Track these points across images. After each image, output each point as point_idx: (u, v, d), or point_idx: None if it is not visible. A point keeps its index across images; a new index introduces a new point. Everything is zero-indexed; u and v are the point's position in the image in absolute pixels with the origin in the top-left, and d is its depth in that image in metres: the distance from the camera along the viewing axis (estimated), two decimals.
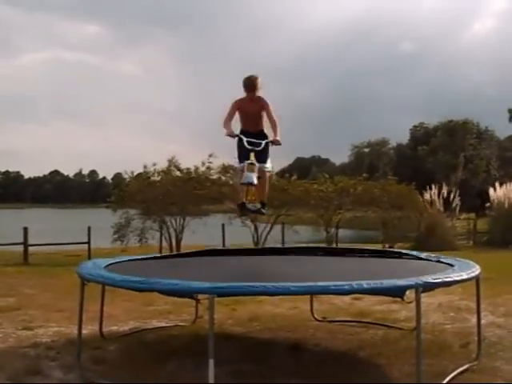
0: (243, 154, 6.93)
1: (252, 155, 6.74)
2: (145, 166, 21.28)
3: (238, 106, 7.06)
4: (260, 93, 7.06)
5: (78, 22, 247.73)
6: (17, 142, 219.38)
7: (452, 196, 24.06)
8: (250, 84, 7.02)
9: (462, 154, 71.10)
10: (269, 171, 7.12)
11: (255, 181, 6.68)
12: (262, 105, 7.07)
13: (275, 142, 7.01)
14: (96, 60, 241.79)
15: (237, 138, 6.99)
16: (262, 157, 6.95)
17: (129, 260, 7.36)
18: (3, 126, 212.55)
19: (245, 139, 6.86)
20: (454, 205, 23.93)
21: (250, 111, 7.07)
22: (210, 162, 20.63)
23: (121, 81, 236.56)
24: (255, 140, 6.92)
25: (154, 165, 21.01)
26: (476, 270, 5.83)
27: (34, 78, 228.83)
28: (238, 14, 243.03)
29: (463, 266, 6.00)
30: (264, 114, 7.12)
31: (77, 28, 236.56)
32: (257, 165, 6.76)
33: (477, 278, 5.85)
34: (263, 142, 6.93)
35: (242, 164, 6.91)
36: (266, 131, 7.16)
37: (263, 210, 7.38)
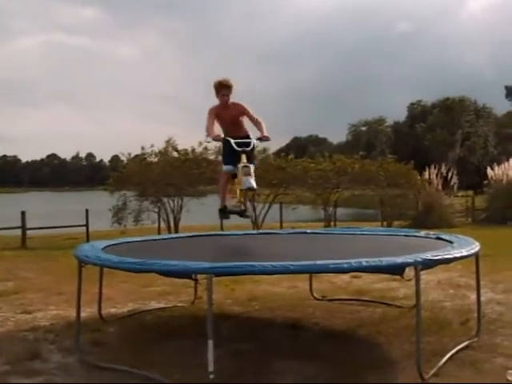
0: (230, 157, 6.83)
1: (244, 157, 6.62)
2: (142, 148, 21.21)
3: (216, 112, 6.94)
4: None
5: (75, 4, 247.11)
6: (14, 126, 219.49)
7: (450, 174, 24.03)
8: (227, 86, 6.90)
9: (460, 131, 71.08)
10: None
11: (255, 185, 6.59)
12: (240, 110, 6.97)
13: (263, 139, 6.93)
14: (94, 43, 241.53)
15: (222, 142, 6.91)
16: (250, 157, 6.85)
17: (126, 242, 7.33)
18: (1, 110, 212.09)
19: (232, 141, 6.74)
20: (451, 183, 23.91)
21: (228, 117, 6.97)
22: (208, 142, 20.52)
23: (119, 64, 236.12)
24: (244, 140, 6.82)
25: (152, 146, 20.96)
26: (475, 246, 5.81)
27: (31, 61, 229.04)
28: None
29: (462, 242, 5.98)
30: (243, 119, 7.05)
31: (75, 11, 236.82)
32: (251, 166, 6.66)
33: (476, 255, 5.83)
34: (252, 141, 6.83)
35: (228, 167, 6.83)
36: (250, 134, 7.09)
37: (247, 213, 7.36)
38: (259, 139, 6.93)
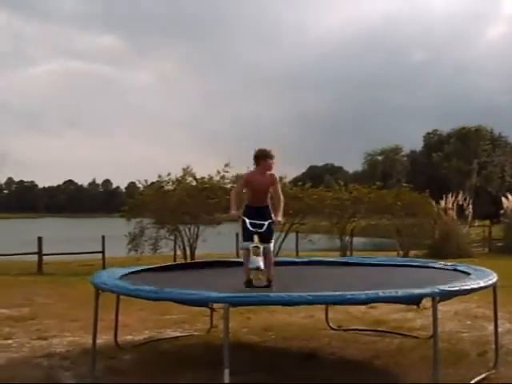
0: (247, 234, 6.83)
1: (256, 237, 6.61)
2: (159, 176, 21.30)
3: (248, 178, 6.88)
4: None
5: (91, 32, 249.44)
6: (31, 152, 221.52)
7: (466, 203, 23.97)
8: (269, 155, 6.91)
9: (476, 160, 70.93)
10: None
11: (262, 265, 6.52)
12: (272, 180, 6.96)
13: (276, 223, 6.92)
14: (109, 70, 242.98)
15: (243, 213, 6.90)
16: (266, 237, 6.84)
17: (143, 269, 7.34)
18: (18, 137, 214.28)
19: (247, 221, 6.73)
20: (467, 212, 23.83)
21: (261, 185, 6.95)
22: (226, 172, 20.59)
23: (135, 91, 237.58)
24: (258, 221, 6.79)
25: (169, 174, 21.03)
26: (493, 277, 5.78)
27: (47, 88, 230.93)
28: (250, 24, 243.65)
29: (480, 273, 5.96)
30: (270, 189, 7.04)
31: (90, 38, 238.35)
32: (261, 247, 6.63)
33: (494, 286, 5.80)
34: (266, 224, 6.81)
35: (246, 243, 6.81)
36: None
37: (271, 285, 7.34)
38: (272, 222, 6.88)
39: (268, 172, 6.80)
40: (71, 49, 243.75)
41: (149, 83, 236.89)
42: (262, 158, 6.78)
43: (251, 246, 6.39)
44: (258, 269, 6.55)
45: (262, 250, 6.40)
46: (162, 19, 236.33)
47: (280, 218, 6.79)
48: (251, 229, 6.52)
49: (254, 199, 6.79)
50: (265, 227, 6.61)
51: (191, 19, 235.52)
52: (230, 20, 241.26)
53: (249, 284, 6.79)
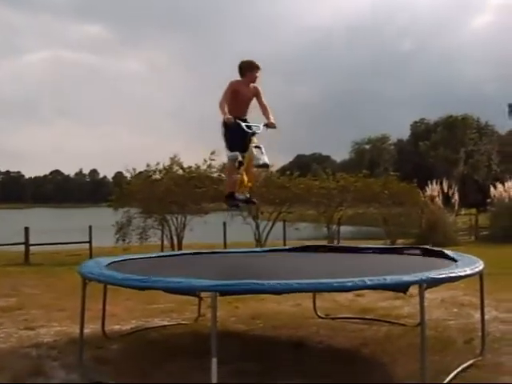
0: (236, 142, 6.75)
1: (254, 139, 6.57)
2: (148, 165, 21.27)
3: (236, 87, 6.88)
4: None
5: (79, 22, 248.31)
6: (18, 142, 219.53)
7: (451, 191, 24.08)
8: (259, 68, 6.90)
9: (463, 149, 71.18)
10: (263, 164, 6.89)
11: (268, 161, 6.55)
12: (256, 91, 6.96)
13: (271, 125, 6.88)
14: (97, 59, 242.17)
15: (223, 125, 6.79)
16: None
17: (130, 259, 7.33)
18: (5, 126, 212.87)
19: (243, 124, 6.67)
20: (453, 200, 23.94)
21: (246, 96, 6.92)
22: (212, 160, 20.55)
23: (122, 80, 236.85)
24: (253, 124, 6.76)
25: (157, 164, 20.99)
26: (480, 265, 5.80)
27: (34, 77, 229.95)
28: (241, 15, 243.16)
29: (467, 261, 5.97)
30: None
31: (78, 28, 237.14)
32: (262, 146, 6.60)
33: (480, 274, 5.83)
34: (261, 125, 6.78)
35: (234, 153, 6.76)
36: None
37: (253, 199, 7.29)
38: (266, 125, 6.86)
39: (252, 84, 6.81)
40: (61, 38, 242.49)
41: (138, 73, 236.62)
42: (249, 69, 6.83)
43: (252, 145, 6.34)
44: (265, 166, 6.54)
45: (263, 149, 6.37)
46: (153, 9, 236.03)
47: (273, 121, 6.80)
48: (248, 130, 6.47)
49: (237, 110, 6.78)
50: (261, 128, 6.59)
51: (183, 9, 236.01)
52: (222, 9, 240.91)
53: (231, 197, 6.78)
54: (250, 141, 6.60)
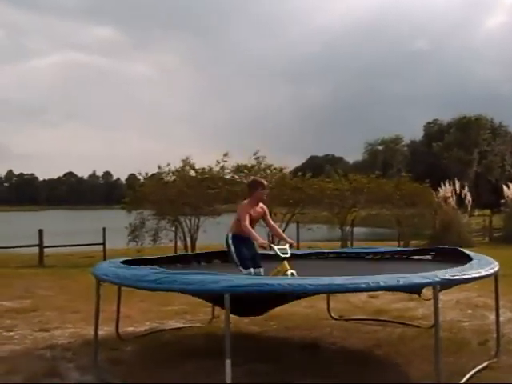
0: (248, 259, 6.78)
1: (286, 263, 6.55)
2: (159, 167, 21.30)
3: (249, 211, 6.84)
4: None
5: (90, 24, 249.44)
6: (31, 145, 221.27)
7: (464, 192, 23.97)
8: (264, 186, 6.94)
9: (476, 149, 70.84)
10: None
11: None
12: (264, 211, 7.01)
13: (292, 246, 6.91)
14: (108, 62, 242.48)
15: (233, 241, 6.79)
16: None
17: (144, 260, 7.33)
18: (18, 130, 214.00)
19: (276, 248, 6.67)
20: (466, 201, 23.82)
21: (257, 217, 6.98)
22: (224, 161, 20.55)
23: (135, 83, 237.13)
24: (280, 248, 6.74)
25: (168, 165, 21.02)
26: (494, 266, 5.77)
27: (46, 80, 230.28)
28: (250, 15, 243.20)
29: (481, 262, 5.93)
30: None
31: (89, 30, 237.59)
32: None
33: (495, 275, 5.80)
34: (287, 247, 6.78)
35: (250, 270, 6.75)
36: None
37: None
38: (290, 246, 6.88)
39: (260, 204, 6.88)
40: (71, 41, 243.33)
41: (149, 75, 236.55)
42: (259, 188, 6.86)
43: (289, 272, 6.30)
44: None
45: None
46: (162, 10, 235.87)
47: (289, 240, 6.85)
48: (282, 255, 6.49)
49: (243, 232, 6.76)
50: (289, 251, 6.60)
51: (192, 11, 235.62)
52: (231, 11, 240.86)
53: None
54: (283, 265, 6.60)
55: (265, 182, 7.03)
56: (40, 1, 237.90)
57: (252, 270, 6.66)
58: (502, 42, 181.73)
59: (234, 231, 6.83)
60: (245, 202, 6.91)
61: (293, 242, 7.00)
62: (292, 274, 6.27)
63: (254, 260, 6.77)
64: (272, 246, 6.65)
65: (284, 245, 6.67)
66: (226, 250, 6.90)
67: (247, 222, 6.66)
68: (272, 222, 7.13)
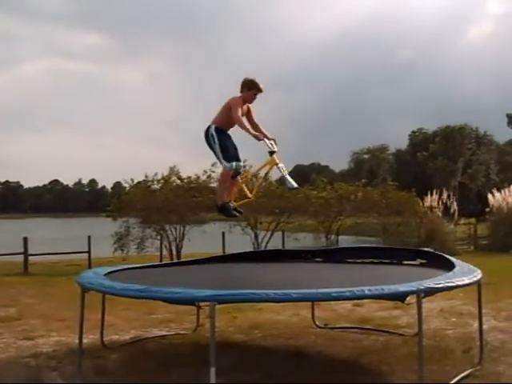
0: (233, 152, 6.82)
1: (275, 157, 6.65)
2: (146, 176, 21.28)
3: (242, 105, 6.95)
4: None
5: (78, 31, 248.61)
6: (16, 152, 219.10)
7: (450, 201, 24.08)
8: (260, 90, 6.97)
9: (461, 158, 71.24)
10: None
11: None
12: (248, 108, 7.05)
13: (273, 140, 6.98)
14: (96, 69, 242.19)
15: (216, 134, 6.85)
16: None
17: (129, 268, 7.33)
18: (3, 136, 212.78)
19: (267, 141, 6.76)
20: (452, 210, 23.94)
21: (242, 113, 7.00)
22: (212, 172, 20.54)
23: (121, 90, 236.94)
24: (268, 142, 6.81)
25: (155, 174, 21.01)
26: (477, 274, 5.81)
27: (33, 87, 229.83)
28: (238, 23, 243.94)
29: (464, 270, 5.98)
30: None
31: (77, 37, 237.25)
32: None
33: (478, 283, 5.84)
34: (274, 145, 6.84)
35: (238, 163, 6.82)
36: None
37: (240, 209, 7.39)
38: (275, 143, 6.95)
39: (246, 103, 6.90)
40: (60, 48, 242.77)
41: (136, 82, 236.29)
42: (250, 88, 6.89)
43: (281, 164, 6.44)
44: (296, 189, 6.69)
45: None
46: (152, 17, 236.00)
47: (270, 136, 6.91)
48: (274, 149, 6.57)
49: (227, 125, 6.87)
50: (275, 147, 6.70)
51: (181, 18, 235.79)
52: (220, 18, 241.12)
53: (226, 208, 6.85)
54: (237, 156, 6.69)
55: (261, 87, 7.00)
56: (28, 7, 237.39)
57: (234, 164, 6.71)
58: (487, 51, 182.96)
59: (218, 124, 6.84)
60: (237, 96, 6.92)
61: (275, 138, 6.99)
62: (282, 168, 6.42)
63: (235, 153, 6.79)
64: (264, 139, 6.71)
65: (270, 141, 6.76)
66: (207, 143, 6.91)
67: (240, 114, 6.68)
68: (256, 120, 7.11)
